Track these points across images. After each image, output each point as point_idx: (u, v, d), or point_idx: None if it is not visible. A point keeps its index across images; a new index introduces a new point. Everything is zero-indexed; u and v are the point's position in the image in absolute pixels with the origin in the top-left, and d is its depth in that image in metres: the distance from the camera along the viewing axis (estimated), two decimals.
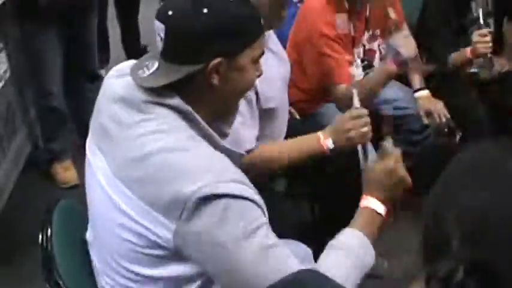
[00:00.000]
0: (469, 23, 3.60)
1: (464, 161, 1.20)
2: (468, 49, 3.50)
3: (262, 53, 1.89)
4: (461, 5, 3.58)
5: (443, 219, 1.14)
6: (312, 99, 3.36)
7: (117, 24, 5.42)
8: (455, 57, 3.58)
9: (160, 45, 1.77)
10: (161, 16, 1.76)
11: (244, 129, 2.45)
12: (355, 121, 2.45)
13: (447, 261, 1.11)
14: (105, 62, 5.15)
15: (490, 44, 3.45)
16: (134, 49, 5.28)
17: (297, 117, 3.23)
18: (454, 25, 3.62)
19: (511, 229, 1.10)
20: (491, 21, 3.77)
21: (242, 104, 2.36)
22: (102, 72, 4.49)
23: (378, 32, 3.41)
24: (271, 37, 2.71)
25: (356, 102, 2.47)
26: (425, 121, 3.42)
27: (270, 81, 2.55)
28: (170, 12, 1.74)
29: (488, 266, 1.10)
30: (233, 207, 1.64)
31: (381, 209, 1.97)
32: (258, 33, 1.85)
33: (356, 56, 3.33)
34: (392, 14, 3.29)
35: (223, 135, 1.96)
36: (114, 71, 1.92)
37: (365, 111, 2.46)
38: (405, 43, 2.96)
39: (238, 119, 2.20)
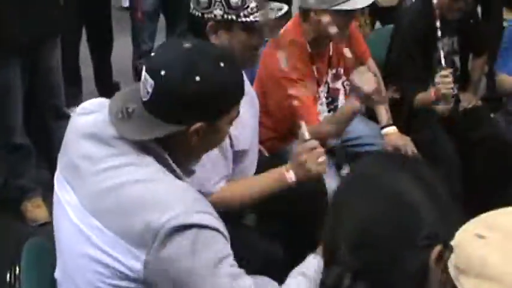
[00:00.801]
0: (435, 62, 3.65)
1: (348, 178, 1.28)
2: (432, 90, 3.53)
3: (238, 113, 1.94)
4: (427, 44, 3.64)
5: (334, 230, 1.23)
6: (280, 137, 3.40)
7: (90, 61, 5.45)
8: (420, 98, 3.62)
9: (144, 94, 1.81)
10: (152, 72, 1.79)
11: (211, 171, 2.49)
12: (309, 153, 2.51)
13: (336, 268, 1.18)
14: (77, 98, 5.15)
15: (452, 85, 3.49)
16: (106, 86, 5.28)
17: (266, 154, 3.26)
18: (419, 62, 3.67)
19: (388, 238, 1.17)
20: (457, 58, 3.86)
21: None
22: (72, 109, 4.47)
23: (341, 70, 3.47)
24: None
25: (306, 135, 2.53)
26: None
27: (242, 124, 2.60)
28: (163, 72, 1.77)
29: (372, 272, 1.17)
30: (202, 236, 1.69)
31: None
32: (240, 96, 1.92)
33: (321, 95, 3.39)
34: (348, 54, 3.37)
35: (190, 172, 2.00)
36: (82, 108, 1.96)
37: (315, 142, 2.52)
38: (365, 79, 3.01)
39: (206, 160, 2.25)
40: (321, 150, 2.53)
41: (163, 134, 1.79)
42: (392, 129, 3.52)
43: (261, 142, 3.12)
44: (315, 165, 2.51)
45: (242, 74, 1.94)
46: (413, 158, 2.74)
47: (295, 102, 3.19)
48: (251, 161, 2.81)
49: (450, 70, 3.53)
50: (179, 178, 1.84)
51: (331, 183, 3.03)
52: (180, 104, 1.78)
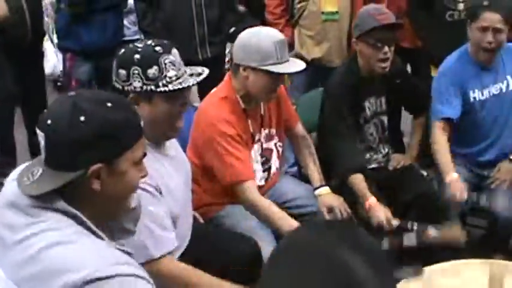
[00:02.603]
0: (363, 121, 3.71)
1: (282, 246, 1.27)
2: (367, 203, 3.50)
3: (144, 155, 1.94)
4: (355, 104, 3.69)
5: None
6: (215, 202, 3.39)
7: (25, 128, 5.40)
8: (354, 181, 3.60)
9: (42, 151, 1.83)
10: (41, 124, 1.82)
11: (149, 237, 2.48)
12: None
13: None
14: (12, 167, 5.08)
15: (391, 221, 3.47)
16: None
17: (201, 221, 3.25)
18: (349, 121, 3.71)
19: None
20: (385, 118, 3.92)
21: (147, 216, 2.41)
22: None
23: (273, 131, 3.51)
24: (171, 144, 2.76)
25: None
26: (327, 217, 3.47)
27: (172, 190, 2.61)
28: (49, 121, 1.80)
29: None
30: (124, 284, 1.71)
31: None
32: (136, 136, 1.91)
33: (256, 153, 3.41)
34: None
35: (128, 232, 1.99)
36: (11, 175, 1.95)
37: None
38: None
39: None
40: None
41: (61, 183, 1.79)
42: (325, 190, 3.55)
43: (195, 208, 3.13)
44: None
45: (136, 114, 1.94)
46: (351, 224, 2.76)
47: (232, 161, 3.20)
48: (185, 228, 2.81)
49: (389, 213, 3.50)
50: (100, 238, 1.84)
51: (267, 248, 3.04)
52: (71, 148, 1.79)
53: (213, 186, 3.36)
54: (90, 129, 1.78)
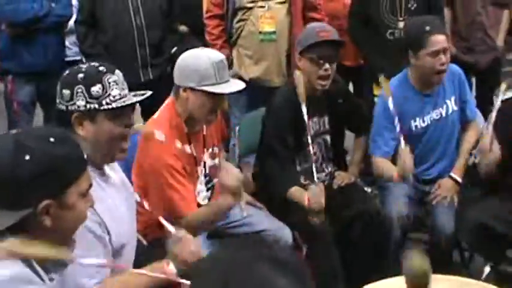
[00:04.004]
0: (306, 141, 3.71)
1: (204, 262, 1.28)
2: (306, 198, 3.54)
3: (90, 186, 1.93)
4: (296, 124, 3.71)
5: None
6: (157, 225, 3.37)
7: None
8: (293, 194, 3.66)
9: None
10: None
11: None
12: (180, 246, 2.53)
13: None
14: None
15: (322, 201, 3.50)
16: None
17: (144, 243, 3.23)
18: (290, 141, 3.74)
19: None
20: (328, 137, 3.96)
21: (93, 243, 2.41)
22: None
23: (216, 149, 3.53)
24: (113, 168, 2.74)
25: (170, 228, 2.56)
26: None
27: (117, 217, 2.59)
28: None
29: None
30: None
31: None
32: (81, 169, 1.91)
33: (200, 174, 3.41)
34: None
35: (62, 264, 1.97)
36: None
37: (182, 232, 2.55)
38: (230, 176, 3.12)
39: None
40: (190, 238, 2.56)
41: (11, 222, 1.78)
42: None
43: (142, 229, 3.11)
44: (190, 254, 2.53)
45: (78, 147, 1.95)
46: (275, 242, 2.79)
47: (174, 195, 3.20)
48: (130, 252, 2.79)
49: (321, 186, 3.57)
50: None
51: None
52: (17, 187, 1.78)
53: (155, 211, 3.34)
54: (35, 167, 1.77)
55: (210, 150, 3.50)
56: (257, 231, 3.52)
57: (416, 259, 2.50)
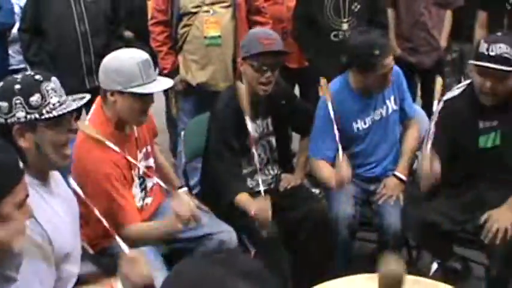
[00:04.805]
0: (250, 143, 3.71)
1: (169, 279, 1.28)
2: (252, 209, 3.52)
3: (27, 196, 1.90)
4: (241, 126, 3.70)
5: None
6: (102, 235, 3.34)
7: None
8: (240, 199, 3.66)
9: None
10: None
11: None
12: (130, 266, 2.51)
13: None
14: None
15: (268, 212, 3.47)
16: None
17: (91, 252, 3.20)
18: (234, 145, 3.75)
19: None
20: (273, 139, 3.97)
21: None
22: None
23: (149, 148, 3.51)
24: (54, 179, 2.70)
25: (124, 247, 2.54)
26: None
27: (60, 227, 2.56)
28: None
29: None
30: None
31: None
32: (16, 179, 1.88)
33: (134, 178, 3.38)
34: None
35: (9, 279, 1.95)
36: None
37: (134, 253, 2.53)
38: (182, 203, 3.11)
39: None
40: (142, 260, 2.54)
41: None
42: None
43: (89, 239, 3.09)
44: (140, 276, 2.52)
45: (14, 156, 1.92)
46: (236, 252, 2.79)
47: (115, 204, 3.17)
48: (75, 264, 2.76)
49: (267, 198, 3.52)
50: None
51: (160, 276, 3.01)
52: None
53: (97, 221, 3.30)
54: None
55: (144, 150, 3.48)
56: (203, 235, 3.49)
57: (392, 265, 2.51)
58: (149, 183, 3.49)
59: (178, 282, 1.28)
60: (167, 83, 3.32)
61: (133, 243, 3.02)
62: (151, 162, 3.52)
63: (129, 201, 3.24)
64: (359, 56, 3.79)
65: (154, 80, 3.22)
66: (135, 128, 3.39)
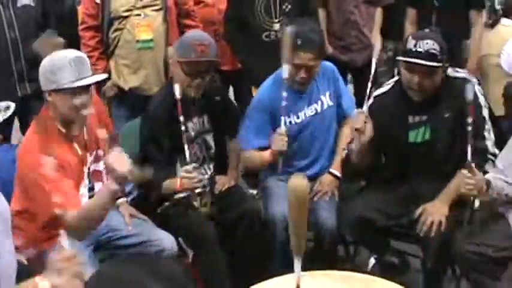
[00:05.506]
0: (186, 142, 3.69)
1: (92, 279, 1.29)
2: (178, 182, 3.62)
3: None
4: (173, 126, 3.68)
5: None
6: (41, 240, 3.30)
7: None
8: (166, 186, 3.70)
9: None
10: None
11: None
12: (67, 263, 2.46)
13: None
14: None
15: (196, 180, 3.58)
16: None
17: (25, 262, 3.16)
18: (166, 146, 3.75)
19: None
20: (209, 137, 3.97)
21: None
22: None
23: (100, 152, 3.48)
24: None
25: (65, 244, 2.49)
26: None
27: None
28: None
29: None
30: None
31: None
32: None
33: (84, 177, 3.37)
34: (102, 134, 3.42)
35: None
36: None
37: (73, 252, 2.49)
38: (118, 160, 3.01)
39: None
40: (79, 261, 2.50)
41: None
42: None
43: (19, 247, 3.04)
44: (71, 275, 2.47)
45: None
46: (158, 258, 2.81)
47: (55, 192, 3.11)
48: (5, 269, 2.72)
49: (193, 165, 3.60)
50: None
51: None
52: None
53: (38, 226, 3.28)
54: None
55: (94, 153, 3.46)
56: (141, 242, 3.48)
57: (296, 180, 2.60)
58: (97, 188, 3.47)
59: (98, 281, 1.29)
60: (99, 76, 3.38)
61: (77, 228, 3.04)
62: (101, 166, 3.48)
63: (68, 186, 3.19)
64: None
65: (88, 76, 3.25)
66: (84, 130, 3.39)
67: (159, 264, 1.35)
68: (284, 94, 3.72)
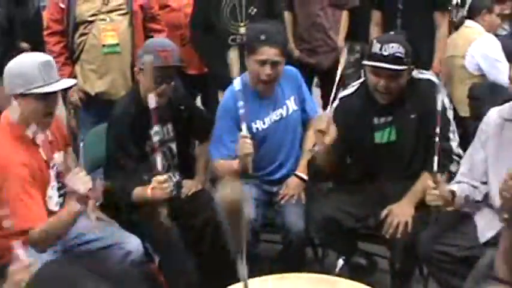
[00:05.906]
0: (150, 151, 3.69)
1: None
2: (149, 190, 3.56)
3: None
4: (139, 133, 3.69)
5: None
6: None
7: None
8: (136, 193, 3.66)
9: None
10: None
11: None
12: (24, 273, 2.46)
13: None
14: None
15: (167, 190, 3.54)
16: None
17: None
18: (132, 152, 3.74)
19: None
20: (173, 145, 3.95)
21: None
22: None
23: (65, 155, 3.47)
24: None
25: (21, 254, 2.49)
26: None
27: None
28: None
29: None
30: None
31: None
32: None
33: (52, 178, 3.34)
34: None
35: None
36: None
37: (28, 261, 2.48)
38: (77, 180, 3.01)
39: None
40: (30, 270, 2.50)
41: None
42: None
43: None
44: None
45: None
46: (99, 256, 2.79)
47: (23, 208, 3.09)
48: None
49: (164, 176, 3.56)
50: None
51: None
52: None
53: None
54: None
55: (62, 153, 3.46)
56: (108, 246, 3.46)
57: (227, 189, 2.50)
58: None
59: (35, 280, 1.30)
60: (69, 82, 3.36)
61: (41, 243, 3.04)
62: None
63: (36, 202, 3.17)
64: (247, 38, 3.93)
65: (57, 80, 3.24)
66: (48, 132, 3.36)
67: (103, 265, 1.34)
68: (240, 103, 3.70)
